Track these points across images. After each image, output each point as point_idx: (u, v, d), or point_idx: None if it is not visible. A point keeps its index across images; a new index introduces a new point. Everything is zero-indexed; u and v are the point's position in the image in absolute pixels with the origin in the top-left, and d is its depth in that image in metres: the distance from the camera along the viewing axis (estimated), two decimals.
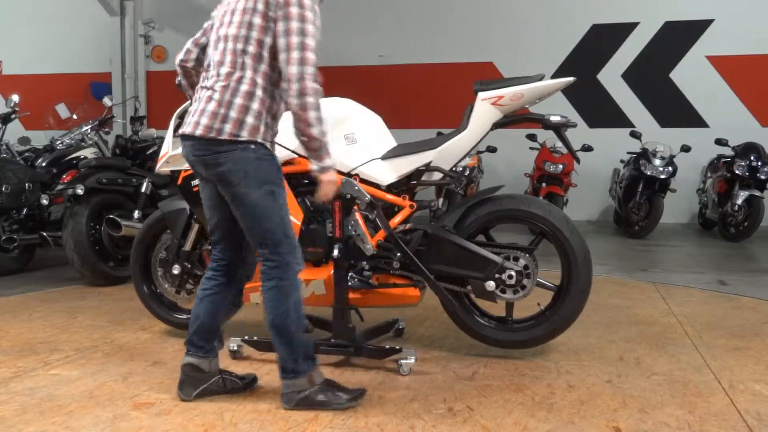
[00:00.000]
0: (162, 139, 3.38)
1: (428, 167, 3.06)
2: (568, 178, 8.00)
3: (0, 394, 2.67)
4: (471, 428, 2.36)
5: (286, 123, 3.07)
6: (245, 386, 2.68)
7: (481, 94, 2.99)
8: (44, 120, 7.34)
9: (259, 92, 2.37)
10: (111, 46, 10.69)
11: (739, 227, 7.32)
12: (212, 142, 2.35)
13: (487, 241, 3.14)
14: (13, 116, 6.12)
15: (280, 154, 3.04)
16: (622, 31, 9.24)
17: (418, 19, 9.80)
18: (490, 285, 2.96)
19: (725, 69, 8.95)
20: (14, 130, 6.82)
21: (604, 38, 9.30)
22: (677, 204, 8.49)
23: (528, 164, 8.44)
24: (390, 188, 3.08)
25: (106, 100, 6.50)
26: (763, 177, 7.34)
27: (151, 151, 6.17)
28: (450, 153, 3.05)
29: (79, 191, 4.76)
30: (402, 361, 2.91)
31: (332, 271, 2.95)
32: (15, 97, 6.16)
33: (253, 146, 2.36)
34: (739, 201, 7.25)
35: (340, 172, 3.02)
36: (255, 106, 2.36)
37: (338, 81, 9.92)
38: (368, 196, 2.87)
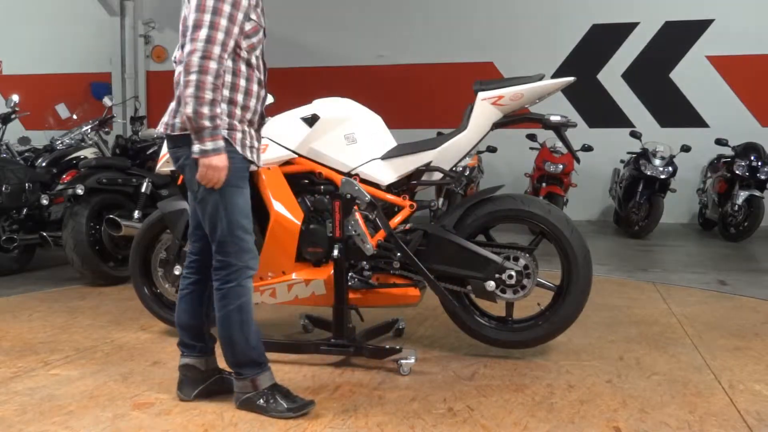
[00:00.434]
0: (162, 139, 3.38)
1: (428, 167, 3.06)
2: (568, 178, 8.00)
3: (0, 394, 2.67)
4: (471, 428, 2.36)
5: (285, 123, 3.09)
6: None
7: (481, 94, 2.99)
8: (44, 120, 7.34)
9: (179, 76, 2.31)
10: (111, 46, 10.69)
11: (739, 227, 7.32)
12: (170, 138, 2.40)
13: (487, 241, 3.14)
14: (13, 116, 6.12)
15: (280, 153, 3.05)
16: (622, 31, 9.24)
17: (418, 19, 9.79)
18: (490, 285, 2.96)
19: (725, 69, 8.95)
20: (14, 130, 6.82)
21: (604, 38, 9.30)
22: (677, 204, 8.49)
23: (528, 164, 8.44)
24: (390, 188, 3.08)
25: (106, 100, 6.50)
26: (763, 177, 7.34)
27: (151, 151, 6.16)
28: (450, 153, 3.05)
29: (79, 191, 4.76)
30: (402, 361, 2.91)
31: (332, 271, 2.95)
32: (15, 97, 6.16)
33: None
34: (739, 201, 7.25)
35: (339, 172, 3.03)
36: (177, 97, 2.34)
37: (338, 81, 9.95)
38: (368, 196, 2.87)
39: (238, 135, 2.37)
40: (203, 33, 2.20)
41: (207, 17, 2.21)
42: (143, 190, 5.15)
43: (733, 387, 2.78)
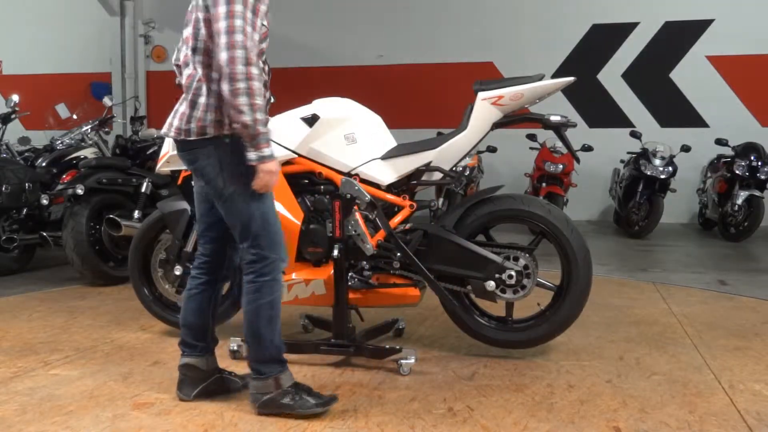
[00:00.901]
0: (162, 139, 3.38)
1: (428, 167, 3.06)
2: (568, 178, 8.00)
3: (0, 394, 2.67)
4: (471, 428, 2.36)
5: (284, 123, 3.09)
6: (245, 386, 2.68)
7: (481, 94, 2.99)
8: (44, 120, 7.33)
9: (214, 86, 2.32)
10: (111, 46, 10.69)
11: (739, 227, 7.32)
12: (185, 143, 2.39)
13: (487, 241, 3.14)
14: (13, 116, 6.12)
15: (280, 153, 3.05)
16: (622, 31, 9.24)
17: (417, 19, 9.79)
18: (490, 285, 2.96)
19: (725, 69, 8.95)
20: (14, 130, 6.81)
21: (604, 38, 9.29)
22: (677, 204, 8.48)
23: (528, 164, 8.44)
24: (390, 188, 3.08)
25: (106, 100, 6.50)
26: (763, 177, 7.34)
27: (151, 151, 6.16)
28: (450, 153, 3.05)
29: (79, 191, 4.76)
30: (402, 361, 2.91)
31: (332, 271, 2.95)
32: (15, 97, 6.16)
33: (227, 140, 2.34)
34: (739, 201, 7.25)
35: (339, 172, 3.03)
36: (212, 101, 2.33)
37: (338, 81, 9.93)
38: (368, 196, 2.87)
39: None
40: (238, 39, 2.19)
41: (238, 23, 2.21)
42: (143, 190, 5.15)
43: (733, 387, 2.78)
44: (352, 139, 3.06)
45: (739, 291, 4.72)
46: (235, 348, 3.10)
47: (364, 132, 3.09)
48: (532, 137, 8.10)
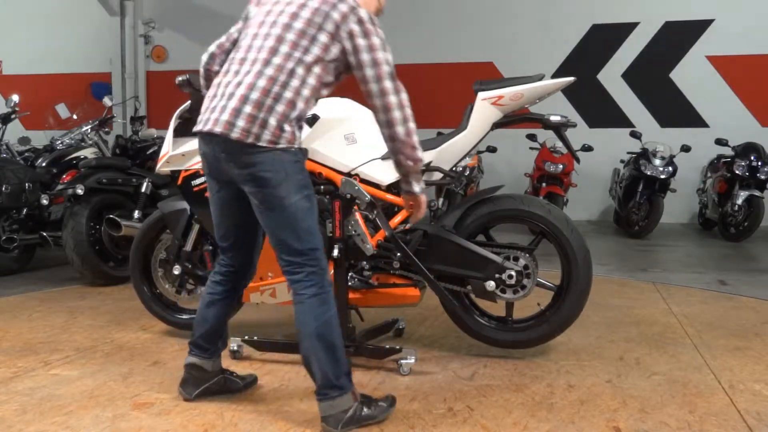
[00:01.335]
0: (162, 139, 3.38)
1: (428, 167, 3.05)
2: (568, 178, 8.01)
3: (0, 394, 2.67)
4: (471, 428, 2.36)
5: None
6: (246, 386, 2.68)
7: (481, 94, 2.99)
8: (44, 120, 7.34)
9: (300, 104, 2.24)
10: (111, 46, 10.70)
11: (739, 227, 7.32)
12: (250, 146, 2.20)
13: (487, 241, 3.14)
14: (13, 116, 6.12)
15: None
16: (622, 31, 9.24)
17: (417, 19, 9.79)
18: (490, 285, 2.96)
19: (725, 69, 8.95)
20: (14, 130, 6.82)
21: (604, 38, 9.30)
22: (677, 204, 8.49)
23: (528, 164, 8.44)
24: (390, 188, 3.07)
25: (106, 100, 6.50)
26: (763, 177, 7.34)
27: (151, 151, 6.16)
28: (450, 153, 3.05)
29: (79, 191, 4.76)
30: (402, 361, 2.91)
31: (332, 271, 2.95)
32: (15, 97, 6.16)
33: (292, 150, 2.25)
34: (739, 201, 7.25)
35: (339, 172, 3.03)
36: (294, 114, 2.23)
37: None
38: (368, 196, 2.87)
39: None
40: (400, 84, 2.30)
41: (393, 68, 2.29)
42: (143, 190, 5.15)
43: (733, 387, 2.78)
44: (352, 139, 3.06)
45: (739, 291, 4.72)
46: (235, 348, 3.10)
47: (364, 132, 3.09)
48: (532, 137, 8.10)
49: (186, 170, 3.13)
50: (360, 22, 2.26)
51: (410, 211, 2.55)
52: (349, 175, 3.02)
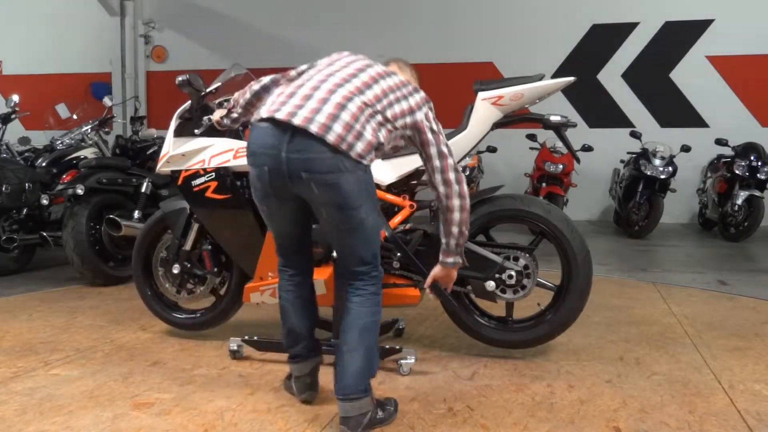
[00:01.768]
0: (162, 139, 3.38)
1: None
2: (568, 178, 8.01)
3: (0, 394, 2.67)
4: (471, 428, 2.36)
5: None
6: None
7: (481, 94, 2.99)
8: (44, 120, 7.33)
9: (381, 137, 2.20)
10: (111, 46, 10.70)
11: (739, 227, 7.33)
12: (340, 154, 2.10)
13: (487, 241, 3.14)
14: (13, 116, 6.12)
15: None
16: (622, 31, 9.25)
17: (417, 19, 9.80)
18: (490, 285, 2.96)
19: (725, 69, 8.95)
20: (14, 130, 6.82)
21: (604, 38, 9.30)
22: (677, 204, 8.49)
23: (528, 164, 8.44)
24: (390, 188, 3.08)
25: (106, 100, 6.50)
26: (763, 177, 7.35)
27: (151, 151, 6.17)
28: None
29: (79, 191, 4.76)
30: (402, 361, 2.91)
31: (332, 271, 2.94)
32: (15, 97, 6.16)
33: (370, 170, 2.22)
34: (739, 201, 7.25)
35: None
36: (377, 142, 2.19)
37: None
38: None
39: None
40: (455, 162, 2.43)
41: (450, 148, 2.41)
42: (143, 190, 5.15)
43: (733, 387, 2.78)
44: None
45: (739, 291, 4.72)
46: (235, 348, 3.10)
47: None
48: (532, 137, 8.10)
49: (186, 170, 3.13)
50: (431, 108, 2.38)
51: (439, 277, 2.54)
52: None
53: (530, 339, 3.09)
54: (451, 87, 9.21)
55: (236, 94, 2.78)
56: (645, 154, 7.67)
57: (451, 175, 2.35)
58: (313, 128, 2.07)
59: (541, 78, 2.94)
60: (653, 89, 9.18)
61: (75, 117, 6.79)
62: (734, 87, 8.95)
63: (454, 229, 2.39)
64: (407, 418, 2.43)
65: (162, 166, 3.21)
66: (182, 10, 10.58)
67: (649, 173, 7.52)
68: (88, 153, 5.69)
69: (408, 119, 2.29)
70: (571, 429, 2.36)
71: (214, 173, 3.08)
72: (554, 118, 2.97)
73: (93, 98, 9.25)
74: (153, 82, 10.84)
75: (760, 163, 7.39)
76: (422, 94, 2.38)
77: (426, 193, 2.75)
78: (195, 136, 3.17)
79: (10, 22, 11.07)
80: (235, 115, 2.77)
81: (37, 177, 5.22)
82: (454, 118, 3.14)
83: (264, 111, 2.20)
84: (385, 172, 3.06)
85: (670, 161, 7.60)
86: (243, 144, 2.99)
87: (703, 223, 8.43)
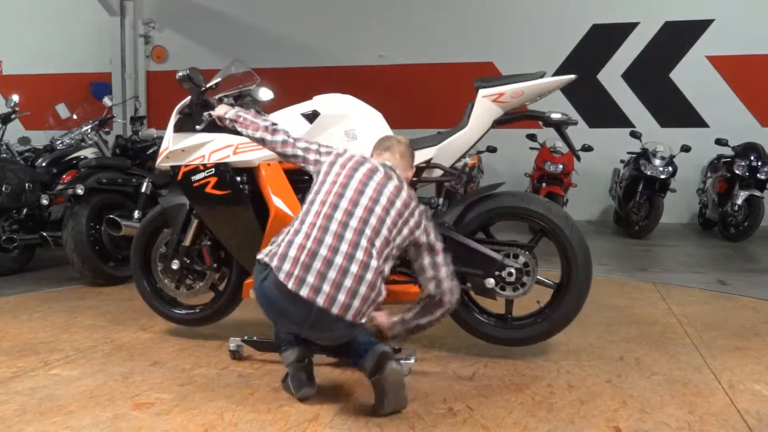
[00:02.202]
0: (162, 139, 3.38)
1: (428, 164, 3.05)
2: (568, 178, 8.01)
3: (0, 394, 2.67)
4: (471, 428, 2.36)
5: (285, 119, 3.08)
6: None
7: (481, 91, 2.99)
8: (44, 120, 7.34)
9: (379, 283, 2.39)
10: (111, 46, 10.70)
11: (739, 227, 7.32)
12: (355, 325, 2.39)
13: (487, 239, 3.13)
14: (13, 116, 6.12)
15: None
16: (622, 31, 9.25)
17: (417, 19, 9.80)
18: (490, 282, 2.95)
19: (725, 69, 8.96)
20: (14, 130, 6.82)
21: (604, 38, 9.30)
22: (677, 204, 8.49)
23: (528, 164, 8.44)
24: None
25: (106, 100, 6.50)
26: (763, 177, 7.35)
27: (151, 151, 6.17)
28: (451, 150, 3.04)
29: (79, 191, 4.76)
30: (402, 361, 2.89)
31: None
32: (15, 97, 6.16)
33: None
34: (739, 201, 7.25)
35: None
36: (374, 296, 2.38)
37: (338, 81, 9.91)
38: None
39: None
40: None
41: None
42: (143, 190, 5.15)
43: (733, 387, 2.78)
44: (353, 135, 3.06)
45: (739, 291, 4.71)
46: (235, 348, 3.10)
47: (364, 128, 3.08)
48: (532, 137, 8.10)
49: (186, 165, 3.12)
50: (427, 218, 2.53)
51: (381, 324, 2.58)
52: None
53: (530, 336, 3.08)
54: (451, 87, 9.23)
55: (250, 117, 2.74)
56: (645, 154, 7.67)
57: (449, 284, 2.52)
58: (335, 310, 2.30)
59: (542, 75, 2.95)
60: (653, 89, 9.18)
61: (75, 117, 6.80)
62: (734, 87, 8.95)
63: (424, 321, 2.52)
64: (407, 418, 2.43)
65: (161, 161, 3.21)
66: (182, 10, 10.58)
67: (649, 173, 7.52)
68: (88, 153, 5.70)
69: (409, 239, 2.49)
70: (571, 429, 2.36)
71: (214, 169, 3.07)
72: (555, 116, 2.97)
73: (93, 98, 9.26)
74: (153, 82, 10.84)
75: (760, 163, 7.39)
76: (420, 208, 2.51)
77: (426, 191, 2.74)
78: (195, 131, 3.16)
79: (10, 22, 11.07)
80: (239, 129, 2.77)
81: (37, 177, 5.22)
82: (455, 118, 3.13)
83: (287, 265, 2.32)
84: None
85: (670, 161, 7.60)
86: (243, 140, 2.98)
87: (703, 223, 8.43)
